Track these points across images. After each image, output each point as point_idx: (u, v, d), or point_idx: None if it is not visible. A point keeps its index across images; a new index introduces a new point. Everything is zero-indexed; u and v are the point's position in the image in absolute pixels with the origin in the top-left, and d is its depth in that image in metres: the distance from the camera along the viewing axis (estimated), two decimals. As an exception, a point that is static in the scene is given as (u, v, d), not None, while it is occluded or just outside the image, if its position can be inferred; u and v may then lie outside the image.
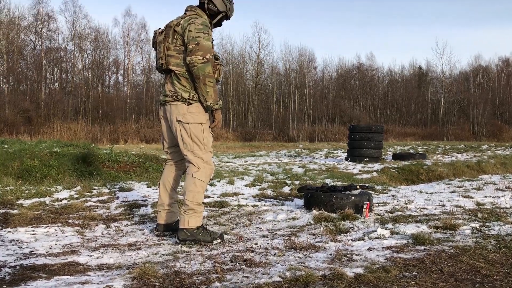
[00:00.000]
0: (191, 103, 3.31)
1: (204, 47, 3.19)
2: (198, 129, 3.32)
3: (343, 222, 4.05)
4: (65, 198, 4.90)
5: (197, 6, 3.48)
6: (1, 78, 33.01)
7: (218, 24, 3.58)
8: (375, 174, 10.22)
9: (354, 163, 12.73)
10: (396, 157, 14.66)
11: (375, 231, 3.58)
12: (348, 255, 2.96)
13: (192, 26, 3.23)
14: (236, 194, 5.55)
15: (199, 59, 3.17)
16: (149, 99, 38.62)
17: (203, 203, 3.45)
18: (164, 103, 3.43)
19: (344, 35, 75.72)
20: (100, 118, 33.45)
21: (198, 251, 3.14)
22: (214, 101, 3.30)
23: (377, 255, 2.94)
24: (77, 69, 37.65)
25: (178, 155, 3.55)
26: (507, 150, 18.42)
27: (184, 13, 3.43)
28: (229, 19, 3.64)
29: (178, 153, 3.53)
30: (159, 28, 3.46)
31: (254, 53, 42.72)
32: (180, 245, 3.31)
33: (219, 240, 3.36)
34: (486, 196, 5.53)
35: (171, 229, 3.57)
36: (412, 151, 17.42)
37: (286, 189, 6.12)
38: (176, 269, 2.66)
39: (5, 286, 2.36)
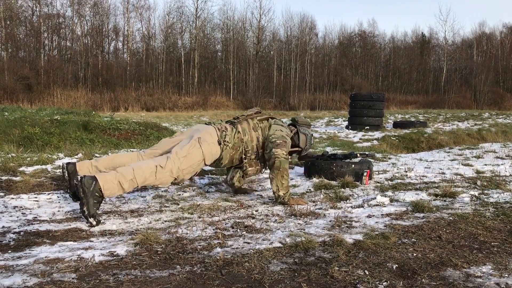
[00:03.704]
0: (219, 144, 3.56)
1: (289, 147, 3.70)
2: (197, 153, 3.42)
3: (343, 189, 4.08)
4: (67, 166, 4.91)
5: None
6: (0, 44, 32.66)
7: (290, 153, 3.88)
8: (375, 142, 10.24)
9: (355, 131, 12.73)
10: (397, 125, 14.66)
11: (375, 198, 3.61)
12: (347, 222, 2.99)
13: (284, 130, 3.79)
14: (237, 161, 5.56)
15: (283, 154, 3.59)
16: (148, 66, 38.26)
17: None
18: (208, 123, 3.75)
19: (347, 0, 74.48)
20: (100, 86, 33.21)
21: (199, 217, 3.17)
22: (285, 192, 3.56)
23: (376, 222, 2.98)
24: (76, 36, 37.19)
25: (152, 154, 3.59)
26: (508, 118, 18.38)
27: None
28: (300, 154, 4.15)
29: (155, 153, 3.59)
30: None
31: (255, 19, 42.12)
32: (181, 211, 3.34)
33: (94, 222, 2.97)
34: (486, 164, 5.55)
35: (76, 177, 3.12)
36: (413, 119, 17.40)
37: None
38: (178, 235, 2.69)
39: (10, 251, 2.40)
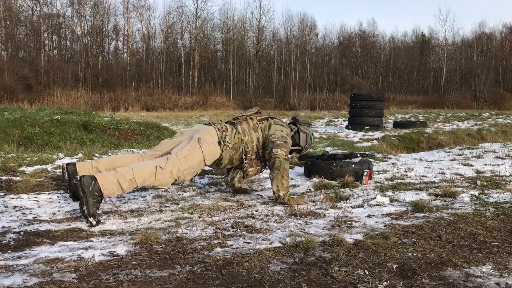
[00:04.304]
0: (220, 144, 3.54)
1: (289, 147, 3.70)
2: (197, 154, 3.41)
3: (343, 189, 4.08)
4: (67, 166, 4.91)
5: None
6: (0, 44, 32.65)
7: (290, 152, 3.88)
8: (375, 142, 10.24)
9: (355, 131, 12.73)
10: (397, 125, 14.66)
11: (375, 198, 3.61)
12: (347, 222, 2.99)
13: (284, 130, 3.79)
14: (237, 161, 5.56)
15: (283, 154, 3.60)
16: (148, 66, 38.28)
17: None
18: (208, 123, 3.71)
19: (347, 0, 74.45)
20: (100, 86, 33.22)
21: (199, 217, 3.17)
22: (285, 193, 3.57)
23: (376, 222, 2.97)
24: (76, 36, 37.18)
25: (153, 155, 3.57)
26: (508, 118, 18.38)
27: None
28: (300, 153, 4.16)
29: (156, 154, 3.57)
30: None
31: (255, 19, 42.13)
32: (181, 211, 3.34)
33: (94, 222, 2.96)
34: (486, 164, 5.55)
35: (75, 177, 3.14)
36: (413, 119, 17.40)
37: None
38: (178, 235, 2.69)
39: (10, 251, 2.40)
